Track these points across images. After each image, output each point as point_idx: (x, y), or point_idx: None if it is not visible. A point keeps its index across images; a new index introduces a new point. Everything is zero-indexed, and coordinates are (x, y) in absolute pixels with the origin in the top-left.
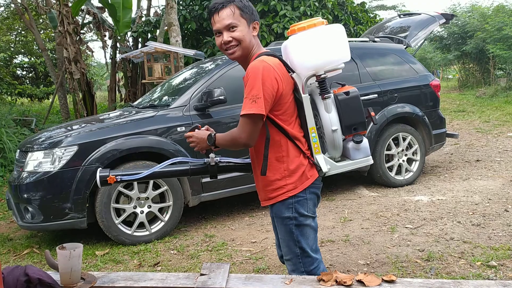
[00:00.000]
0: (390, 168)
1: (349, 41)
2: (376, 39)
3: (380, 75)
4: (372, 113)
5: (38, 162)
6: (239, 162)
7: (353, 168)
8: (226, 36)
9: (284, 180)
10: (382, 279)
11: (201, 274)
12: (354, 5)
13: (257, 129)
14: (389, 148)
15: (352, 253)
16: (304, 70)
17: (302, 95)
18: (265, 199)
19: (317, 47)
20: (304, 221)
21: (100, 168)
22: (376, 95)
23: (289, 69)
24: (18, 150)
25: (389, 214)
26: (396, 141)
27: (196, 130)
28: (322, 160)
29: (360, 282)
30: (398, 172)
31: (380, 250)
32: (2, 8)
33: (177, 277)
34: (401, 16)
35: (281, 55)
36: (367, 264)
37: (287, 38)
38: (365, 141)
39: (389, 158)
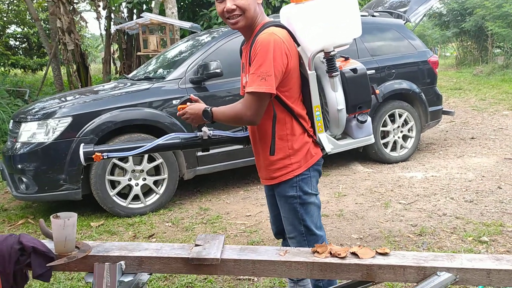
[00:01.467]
0: (386, 145)
1: None
2: (375, 14)
3: (378, 51)
4: (377, 91)
5: (32, 132)
6: (233, 136)
7: (354, 146)
8: (230, 4)
9: (289, 159)
10: (376, 251)
11: (196, 245)
12: None
13: (264, 107)
14: (385, 125)
15: (345, 228)
16: (312, 45)
17: (308, 72)
18: (267, 178)
19: (328, 20)
20: (308, 199)
21: (83, 144)
22: (373, 71)
23: (296, 42)
24: (12, 120)
25: (383, 190)
26: (392, 118)
27: (188, 103)
28: (325, 139)
29: (354, 254)
30: (393, 148)
31: (373, 224)
32: None
33: (171, 247)
34: None
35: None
36: (360, 238)
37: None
38: (369, 120)
39: (385, 134)
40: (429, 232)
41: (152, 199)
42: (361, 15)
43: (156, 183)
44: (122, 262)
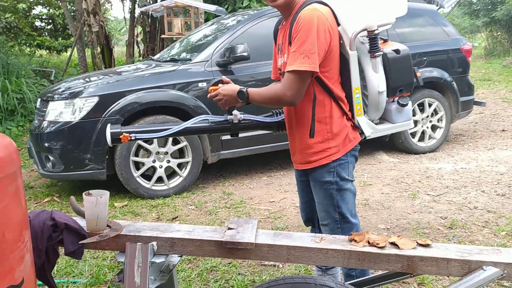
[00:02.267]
0: (413, 134)
1: None
2: None
3: (410, 37)
4: (418, 74)
5: (59, 112)
6: (264, 120)
7: (393, 131)
8: None
9: (327, 143)
10: (417, 242)
11: (229, 228)
12: None
13: (305, 87)
14: (413, 114)
15: (371, 217)
16: (355, 24)
17: (350, 52)
18: (302, 162)
19: None
20: (345, 185)
21: (110, 124)
22: None
23: (337, 21)
24: (39, 99)
25: (410, 180)
26: (421, 107)
27: (220, 85)
28: (364, 122)
29: (393, 244)
30: (421, 138)
31: (400, 215)
32: None
33: (204, 230)
34: None
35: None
36: (387, 228)
37: None
38: (409, 103)
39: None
40: (459, 225)
41: (175, 181)
42: None
43: (180, 165)
44: (154, 243)
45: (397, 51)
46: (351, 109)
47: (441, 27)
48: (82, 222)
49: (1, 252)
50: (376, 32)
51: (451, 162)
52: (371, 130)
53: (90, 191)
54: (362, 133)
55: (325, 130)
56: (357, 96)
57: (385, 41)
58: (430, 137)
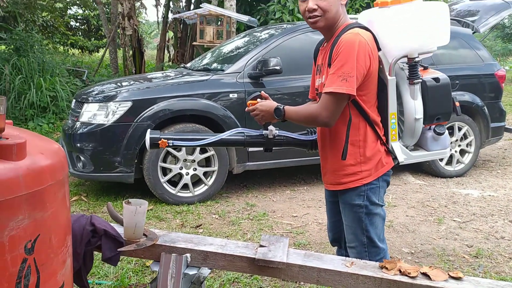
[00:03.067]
0: (441, 158)
1: None
2: None
3: (442, 59)
4: (457, 103)
5: (93, 114)
6: (299, 138)
7: (427, 159)
8: (312, 3)
9: (359, 166)
10: (449, 274)
11: (261, 245)
12: None
13: (340, 109)
14: None
15: (395, 240)
16: (396, 51)
17: (388, 77)
18: (333, 183)
19: (416, 26)
20: (375, 209)
21: (150, 130)
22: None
23: (377, 46)
24: (74, 100)
25: (436, 204)
26: (451, 130)
27: (259, 99)
28: (398, 148)
29: (425, 275)
30: (449, 162)
31: (425, 240)
32: None
33: (236, 245)
34: None
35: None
36: (411, 253)
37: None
38: (446, 132)
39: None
40: (485, 255)
41: (200, 189)
42: None
43: (205, 174)
44: (188, 255)
45: (436, 79)
46: (386, 133)
47: (475, 51)
48: (119, 229)
49: (47, 256)
50: (416, 59)
51: (479, 188)
52: (404, 156)
53: (130, 200)
54: (395, 158)
55: (358, 153)
56: (393, 121)
57: (425, 68)
58: (458, 162)
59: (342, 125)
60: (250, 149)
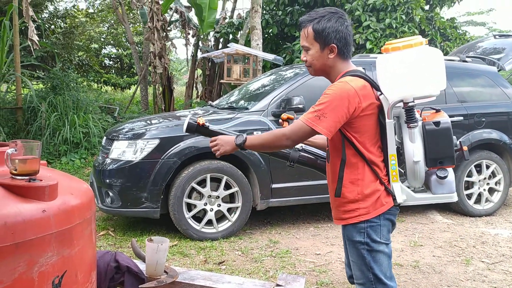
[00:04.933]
0: (469, 196)
1: None
2: (466, 59)
3: (468, 97)
4: (465, 148)
5: (122, 150)
6: (323, 154)
7: (432, 202)
8: (303, 56)
9: (357, 204)
10: None
11: (277, 285)
12: (443, 20)
13: (303, 139)
14: (469, 175)
15: (421, 281)
16: (391, 95)
17: (387, 120)
18: (337, 218)
19: (409, 72)
20: (377, 247)
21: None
22: (461, 118)
23: (379, 90)
24: (105, 137)
25: (464, 244)
26: (479, 168)
27: (287, 114)
28: (398, 189)
29: None
30: (477, 201)
31: (452, 282)
32: (98, 1)
33: (253, 284)
34: (497, 37)
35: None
36: None
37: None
38: (451, 176)
39: (469, 185)
40: None
41: (224, 225)
42: (450, 59)
43: (229, 210)
44: None
45: (437, 123)
46: (388, 173)
47: (501, 89)
48: (141, 266)
49: None
50: (410, 104)
51: (509, 228)
52: (404, 197)
53: (152, 238)
54: (395, 199)
55: (355, 191)
56: (392, 162)
57: (437, 111)
58: (487, 200)
59: (338, 164)
60: (274, 185)
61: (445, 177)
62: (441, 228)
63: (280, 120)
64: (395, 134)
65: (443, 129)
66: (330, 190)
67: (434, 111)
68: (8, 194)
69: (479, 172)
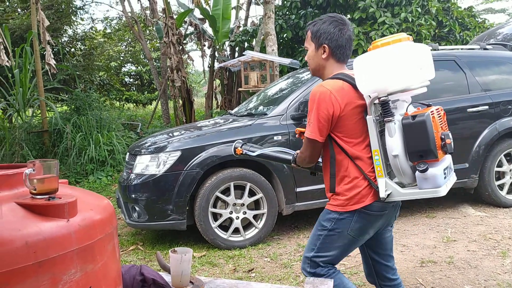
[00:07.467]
0: (501, 187)
1: (455, 49)
2: (487, 47)
3: (492, 85)
4: (448, 141)
5: (145, 165)
6: None
7: (420, 197)
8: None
9: (338, 196)
10: None
11: None
12: (461, 9)
13: (315, 150)
14: (500, 165)
15: (457, 277)
16: (365, 91)
17: (367, 117)
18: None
19: (378, 68)
20: (337, 236)
21: (238, 140)
22: (486, 107)
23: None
24: (128, 153)
25: (499, 237)
26: (509, 157)
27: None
28: (382, 184)
29: None
30: (510, 191)
31: (489, 276)
32: (115, 21)
33: None
34: None
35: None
36: None
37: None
38: (436, 170)
39: (500, 175)
40: None
41: (251, 233)
42: (470, 49)
43: (255, 217)
44: None
45: (413, 117)
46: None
47: None
48: (167, 277)
49: None
50: (383, 98)
51: None
52: (387, 192)
53: (176, 249)
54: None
55: (339, 187)
56: (376, 157)
57: (428, 106)
58: None
59: (327, 161)
60: (298, 189)
61: (424, 170)
62: (474, 221)
63: (297, 135)
64: (379, 130)
65: (418, 122)
66: (325, 186)
67: (426, 106)
68: (28, 214)
69: (509, 161)
